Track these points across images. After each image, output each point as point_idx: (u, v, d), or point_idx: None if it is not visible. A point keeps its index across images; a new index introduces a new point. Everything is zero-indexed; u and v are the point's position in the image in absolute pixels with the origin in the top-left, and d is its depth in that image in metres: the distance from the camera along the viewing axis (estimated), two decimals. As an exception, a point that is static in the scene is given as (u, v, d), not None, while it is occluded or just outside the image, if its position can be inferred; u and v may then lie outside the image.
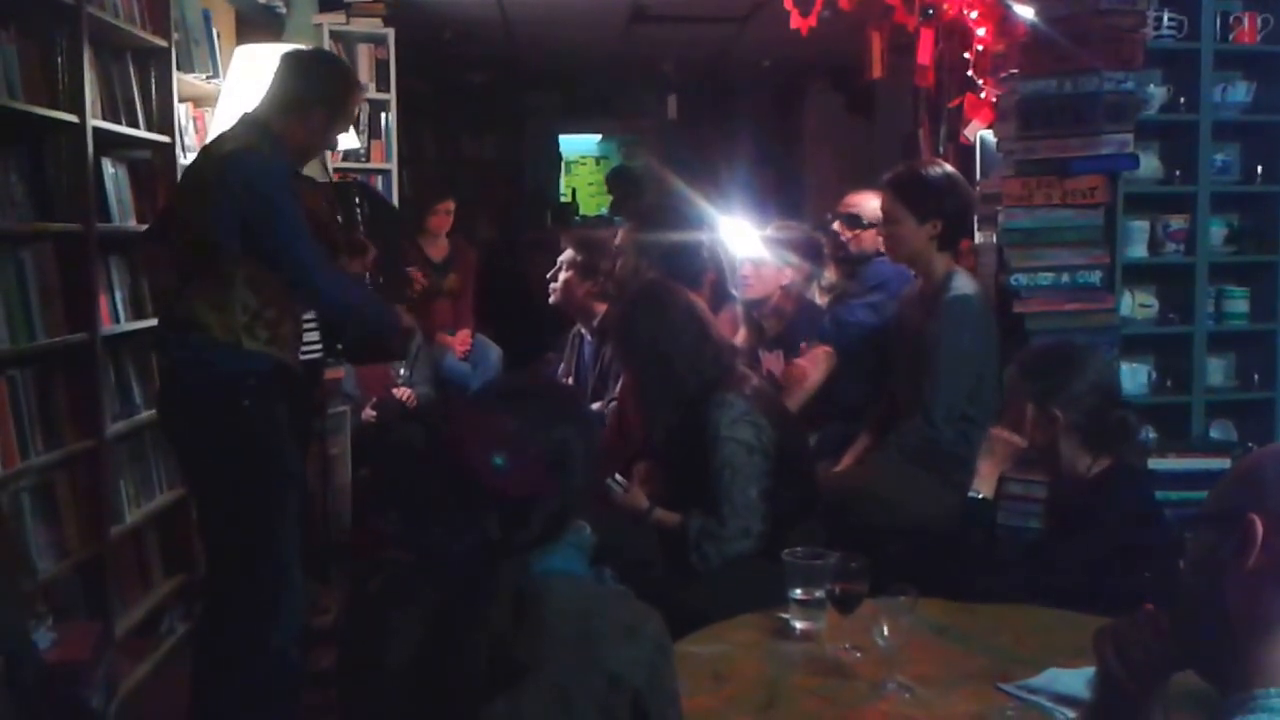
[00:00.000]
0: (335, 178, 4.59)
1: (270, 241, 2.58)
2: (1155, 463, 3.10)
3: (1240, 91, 3.42)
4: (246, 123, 2.73)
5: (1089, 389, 2.27)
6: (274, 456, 2.66)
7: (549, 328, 5.00)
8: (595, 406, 3.54)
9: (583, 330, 3.86)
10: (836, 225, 3.66)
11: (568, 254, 3.76)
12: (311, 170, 3.18)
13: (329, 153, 4.56)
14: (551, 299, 3.82)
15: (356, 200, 3.27)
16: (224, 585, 2.75)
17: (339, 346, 3.30)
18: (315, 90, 2.70)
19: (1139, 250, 3.40)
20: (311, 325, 3.21)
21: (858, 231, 3.58)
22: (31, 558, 2.80)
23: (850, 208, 3.64)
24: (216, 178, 2.60)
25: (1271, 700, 0.97)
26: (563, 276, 3.72)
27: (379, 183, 5.15)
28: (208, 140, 3.01)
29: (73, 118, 3.04)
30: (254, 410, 2.61)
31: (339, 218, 3.14)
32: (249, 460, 2.62)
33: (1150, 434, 3.32)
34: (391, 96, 5.23)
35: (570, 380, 3.83)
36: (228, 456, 2.63)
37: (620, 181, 8.72)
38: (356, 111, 2.81)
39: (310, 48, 2.90)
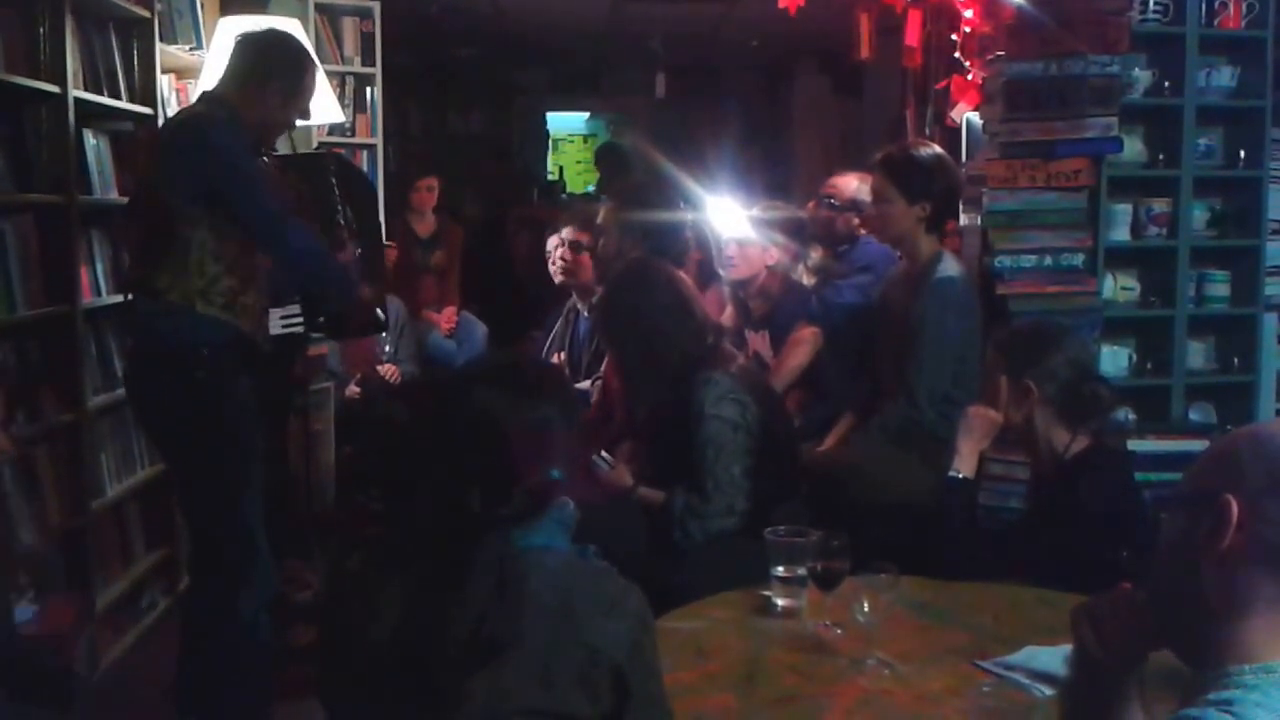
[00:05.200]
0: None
1: (228, 195, 2.56)
2: (1135, 444, 3.12)
3: (1224, 76, 3.43)
4: (205, 99, 2.75)
5: (1063, 362, 2.29)
6: (230, 431, 2.64)
7: (534, 305, 5.00)
8: (585, 384, 3.54)
9: (579, 306, 3.85)
10: (813, 205, 3.67)
11: (568, 232, 3.76)
12: (281, 147, 3.15)
13: (313, 129, 4.55)
14: (559, 278, 3.82)
15: (332, 175, 3.23)
16: (197, 555, 2.78)
17: (320, 319, 3.27)
18: (269, 68, 2.69)
19: (1121, 233, 3.41)
20: (293, 298, 3.19)
21: (839, 213, 3.59)
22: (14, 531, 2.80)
23: (832, 189, 3.64)
24: (169, 142, 2.65)
25: (1245, 677, 0.99)
26: (574, 257, 3.72)
27: (363, 158, 5.12)
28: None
29: (54, 88, 3.02)
30: (209, 383, 2.58)
31: (314, 197, 3.11)
32: (205, 434, 2.61)
33: (1130, 416, 3.35)
34: (377, 70, 5.19)
35: (563, 355, 3.83)
36: (185, 429, 2.63)
37: (609, 158, 8.70)
38: (312, 89, 2.79)
39: (264, 28, 2.89)
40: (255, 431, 2.73)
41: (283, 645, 3.05)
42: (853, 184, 3.56)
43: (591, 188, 9.06)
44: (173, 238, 2.57)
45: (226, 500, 2.65)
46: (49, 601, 2.87)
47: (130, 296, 2.70)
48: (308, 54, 2.82)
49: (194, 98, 3.65)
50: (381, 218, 4.22)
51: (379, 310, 3.25)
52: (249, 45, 2.73)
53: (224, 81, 2.73)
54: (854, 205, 3.55)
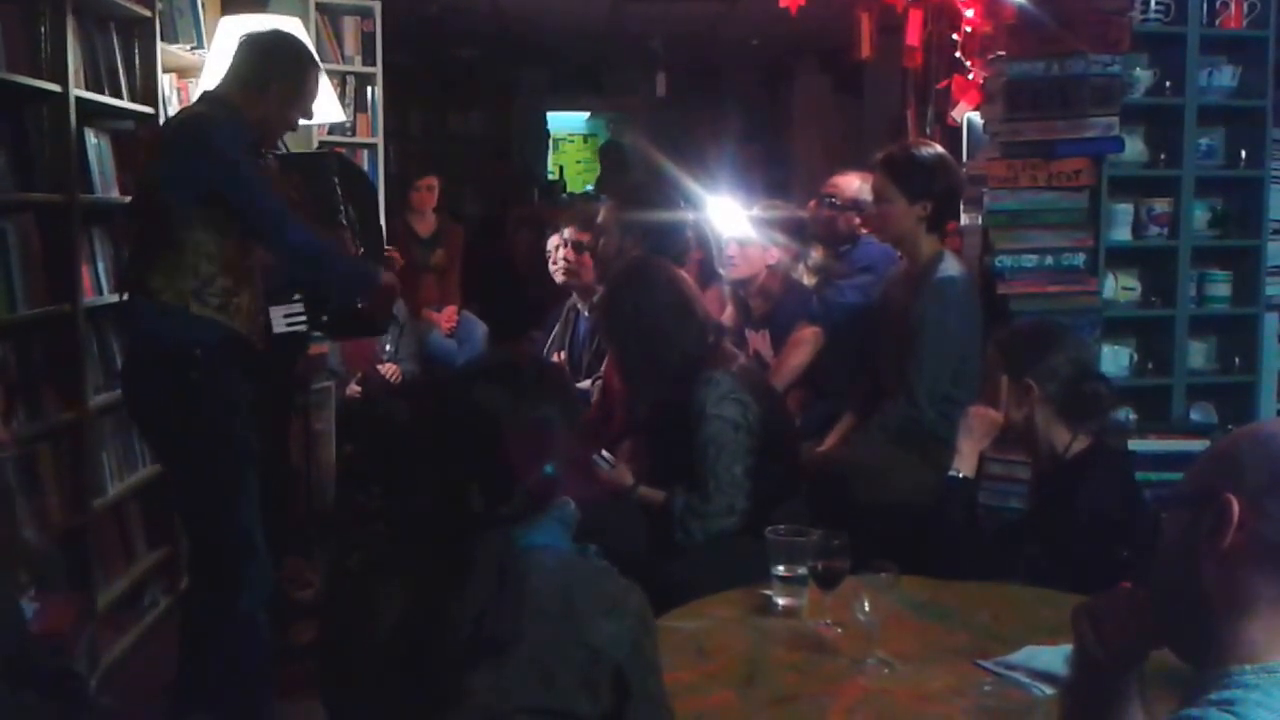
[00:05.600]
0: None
1: (228, 194, 2.56)
2: (1135, 444, 3.12)
3: (1225, 76, 3.43)
4: (207, 99, 2.76)
5: (1063, 361, 2.29)
6: (224, 431, 2.63)
7: (534, 305, 5.00)
8: (585, 383, 3.54)
9: (579, 305, 3.85)
10: (814, 204, 3.67)
11: (569, 232, 3.75)
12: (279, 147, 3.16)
13: (314, 129, 4.54)
14: (560, 278, 3.81)
15: (335, 175, 3.22)
16: (195, 555, 2.79)
17: (324, 318, 3.27)
18: (272, 69, 2.69)
19: (1122, 233, 3.41)
20: (296, 296, 3.19)
21: (840, 213, 3.59)
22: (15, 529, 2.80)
23: (833, 189, 3.64)
24: (169, 142, 2.66)
25: (1246, 677, 0.99)
26: (575, 257, 3.71)
27: (364, 157, 5.12)
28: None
29: (55, 87, 3.02)
30: (202, 383, 2.58)
31: (316, 197, 3.11)
32: (199, 434, 2.60)
33: (1131, 416, 3.35)
34: (378, 70, 5.18)
35: (563, 355, 3.83)
36: (178, 429, 2.63)
37: (610, 156, 8.71)
38: (315, 91, 2.80)
39: (268, 29, 2.89)
40: (250, 432, 2.72)
41: (283, 644, 3.05)
42: (854, 183, 3.56)
43: (591, 187, 9.07)
44: (168, 238, 2.57)
45: (222, 500, 2.65)
46: (50, 600, 2.87)
47: (126, 296, 2.71)
48: (310, 55, 2.82)
49: (195, 97, 3.67)
50: (382, 219, 4.22)
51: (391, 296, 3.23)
52: (252, 46, 2.73)
53: (226, 82, 2.73)
54: (855, 205, 3.55)
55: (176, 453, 2.71)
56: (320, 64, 2.90)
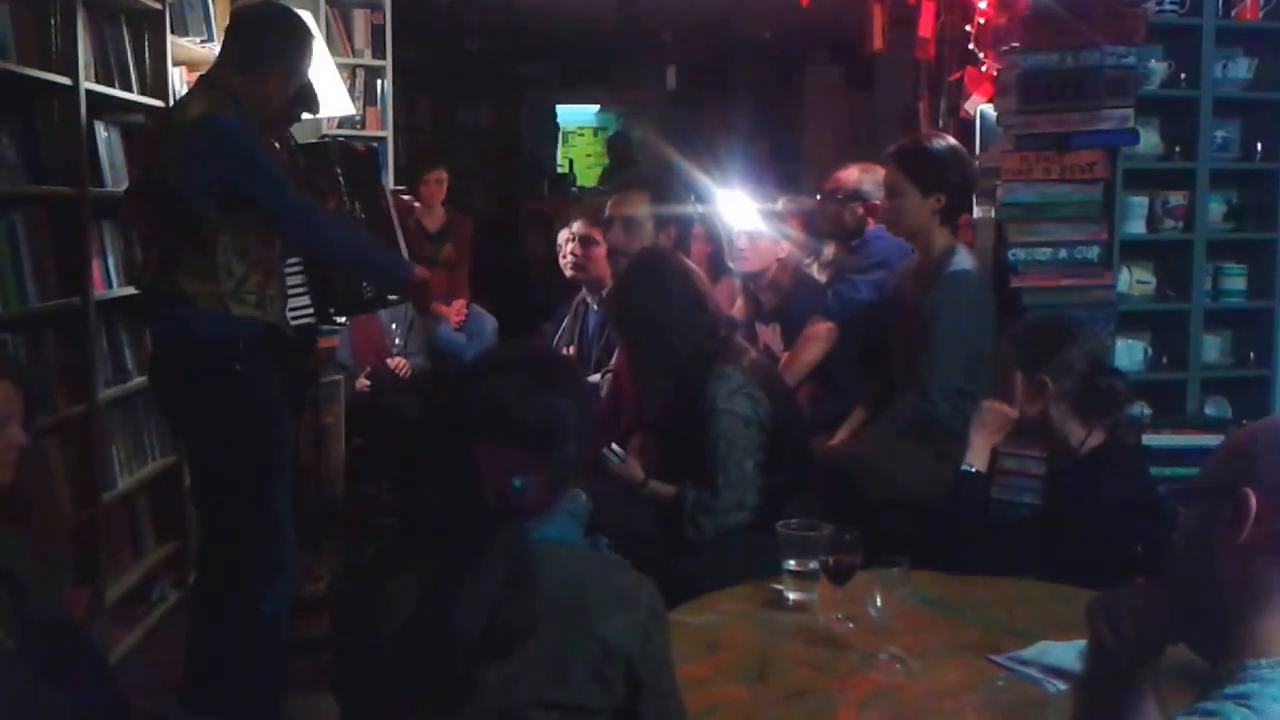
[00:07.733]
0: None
1: (256, 195, 2.56)
2: (1150, 439, 3.10)
3: (1241, 68, 3.40)
4: (205, 85, 2.70)
5: (1078, 356, 2.28)
6: (266, 419, 2.66)
7: (544, 298, 5.00)
8: (595, 377, 3.53)
9: (589, 299, 3.84)
10: (820, 200, 3.66)
11: (579, 226, 3.73)
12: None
13: (323, 122, 4.54)
14: (569, 273, 3.79)
15: (337, 166, 3.21)
16: (220, 550, 2.77)
17: (331, 310, 3.27)
18: (270, 50, 2.67)
19: (1137, 226, 3.39)
20: (300, 290, 3.19)
21: (844, 205, 3.57)
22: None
23: (835, 183, 3.61)
24: (185, 145, 2.56)
25: (1262, 671, 0.98)
26: (584, 251, 3.69)
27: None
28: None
29: (66, 80, 3.02)
30: (245, 373, 2.60)
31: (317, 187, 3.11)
32: (242, 424, 2.62)
33: (1145, 410, 3.33)
34: (388, 63, 5.19)
35: (573, 349, 3.82)
36: (221, 421, 2.64)
37: (619, 148, 8.72)
38: (310, 59, 2.80)
39: (259, 2, 2.84)
40: (287, 421, 2.76)
41: (295, 638, 3.05)
42: (854, 175, 3.54)
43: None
44: (196, 241, 2.57)
45: (263, 492, 2.66)
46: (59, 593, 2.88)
47: (150, 299, 2.70)
48: (306, 27, 2.79)
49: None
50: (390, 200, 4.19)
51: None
52: (250, 27, 2.70)
53: (225, 65, 2.69)
54: (858, 196, 3.52)
55: (222, 448, 2.68)
56: (316, 32, 2.88)
